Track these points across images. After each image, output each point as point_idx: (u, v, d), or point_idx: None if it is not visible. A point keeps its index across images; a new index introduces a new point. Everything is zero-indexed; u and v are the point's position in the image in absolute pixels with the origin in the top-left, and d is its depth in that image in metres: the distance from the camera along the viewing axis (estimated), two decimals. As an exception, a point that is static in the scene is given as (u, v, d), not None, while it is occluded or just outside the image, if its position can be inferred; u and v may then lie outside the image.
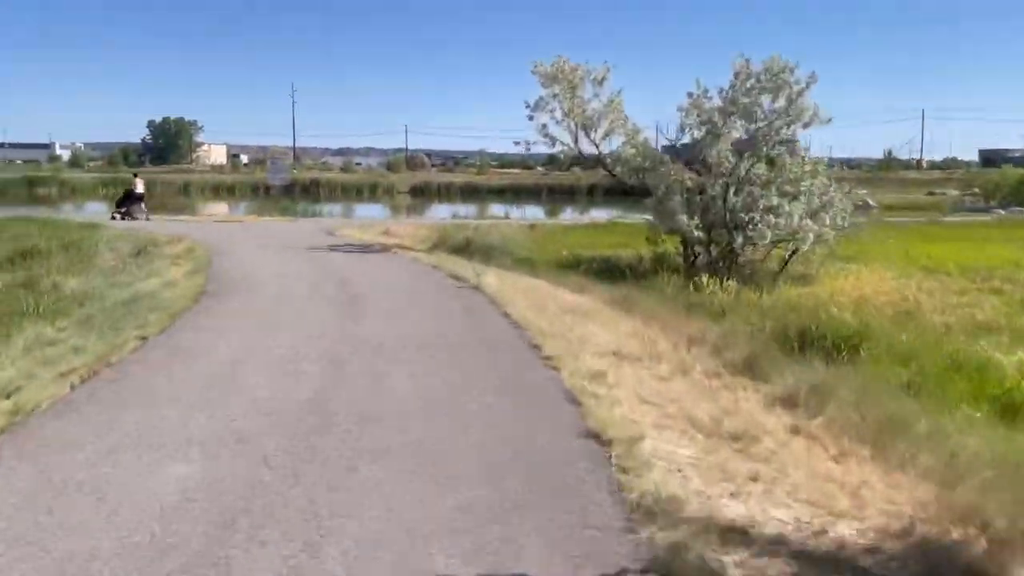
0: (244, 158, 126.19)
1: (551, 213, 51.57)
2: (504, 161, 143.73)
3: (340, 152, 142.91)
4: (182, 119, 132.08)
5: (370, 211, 48.47)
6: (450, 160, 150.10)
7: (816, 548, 4.24)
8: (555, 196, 74.33)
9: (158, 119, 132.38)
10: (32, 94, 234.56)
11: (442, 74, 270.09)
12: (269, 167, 39.85)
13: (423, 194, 73.19)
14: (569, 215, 48.94)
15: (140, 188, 29.24)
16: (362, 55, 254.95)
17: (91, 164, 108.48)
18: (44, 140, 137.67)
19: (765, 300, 13.15)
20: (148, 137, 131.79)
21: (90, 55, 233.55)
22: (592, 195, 75.07)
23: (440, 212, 47.52)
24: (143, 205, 28.38)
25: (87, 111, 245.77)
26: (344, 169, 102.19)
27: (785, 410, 6.74)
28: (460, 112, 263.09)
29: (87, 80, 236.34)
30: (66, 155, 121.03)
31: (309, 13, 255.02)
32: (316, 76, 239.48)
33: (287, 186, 39.61)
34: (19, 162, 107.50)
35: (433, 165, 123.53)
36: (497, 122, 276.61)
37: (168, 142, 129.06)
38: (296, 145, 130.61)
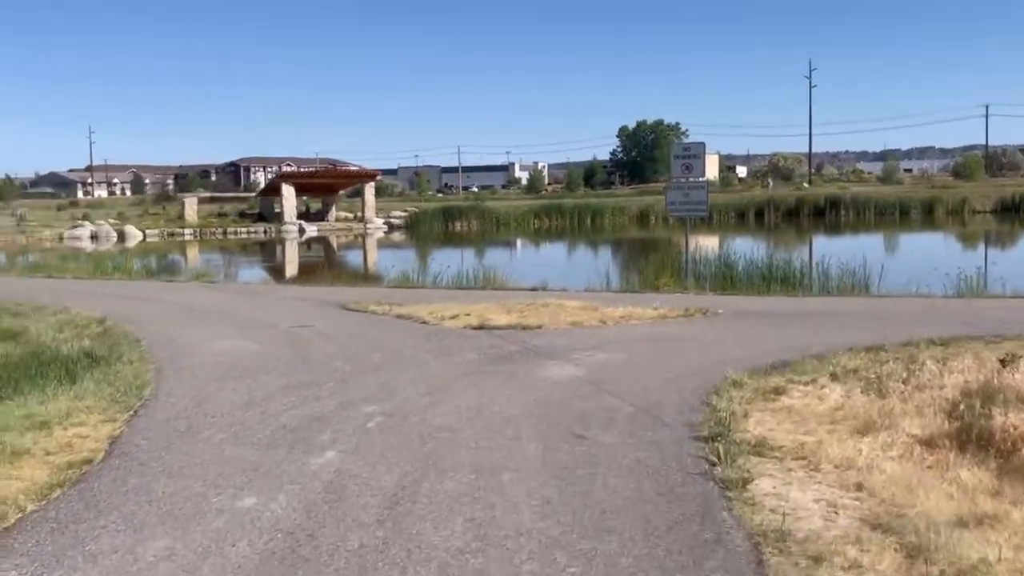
0: (742, 171, 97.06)
1: None
2: None
3: (882, 156, 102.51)
4: (660, 122, 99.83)
5: (920, 247, 30.77)
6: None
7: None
8: None
9: (632, 124, 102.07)
10: (494, 112, 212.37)
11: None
12: (672, 185, 15.79)
13: (1018, 213, 48.05)
14: None
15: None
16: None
17: (549, 188, 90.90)
18: (504, 162, 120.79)
19: None
20: (619, 149, 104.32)
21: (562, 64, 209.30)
22: None
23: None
24: None
25: (554, 125, 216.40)
26: (884, 179, 75.05)
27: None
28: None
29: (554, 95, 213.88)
30: (525, 177, 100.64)
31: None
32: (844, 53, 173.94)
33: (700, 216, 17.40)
34: (475, 188, 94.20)
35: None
36: None
37: (643, 155, 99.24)
38: (819, 149, 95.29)
